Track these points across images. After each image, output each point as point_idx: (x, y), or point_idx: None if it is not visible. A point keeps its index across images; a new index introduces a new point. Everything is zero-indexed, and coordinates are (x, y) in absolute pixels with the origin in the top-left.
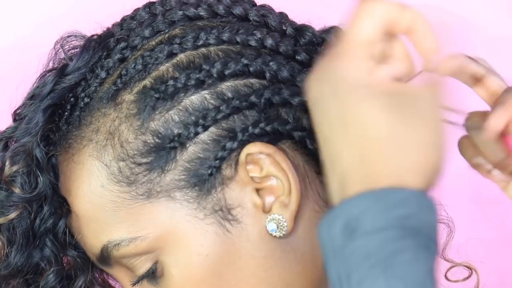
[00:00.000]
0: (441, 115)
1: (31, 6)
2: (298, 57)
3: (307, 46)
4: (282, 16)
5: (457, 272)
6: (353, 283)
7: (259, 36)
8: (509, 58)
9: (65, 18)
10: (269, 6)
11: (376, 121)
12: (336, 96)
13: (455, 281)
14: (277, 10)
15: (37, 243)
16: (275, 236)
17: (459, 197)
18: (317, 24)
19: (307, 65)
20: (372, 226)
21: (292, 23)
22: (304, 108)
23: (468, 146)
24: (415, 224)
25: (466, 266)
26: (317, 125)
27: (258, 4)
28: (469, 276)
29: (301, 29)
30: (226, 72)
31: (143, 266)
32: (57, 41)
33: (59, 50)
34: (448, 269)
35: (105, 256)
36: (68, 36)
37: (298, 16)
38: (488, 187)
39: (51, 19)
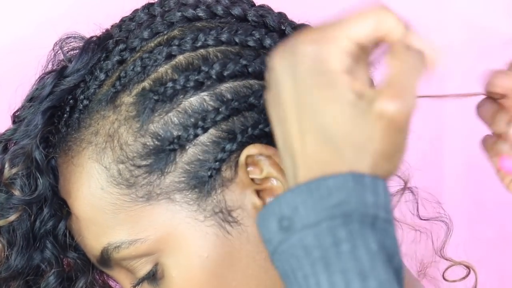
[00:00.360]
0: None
1: (30, 7)
2: None
3: None
4: (281, 16)
5: (455, 272)
6: (300, 279)
7: (258, 36)
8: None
9: (64, 19)
10: (268, 6)
11: (336, 117)
12: (304, 78)
13: (453, 281)
14: (276, 10)
15: (37, 245)
16: None
17: (457, 196)
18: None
19: None
20: (305, 221)
21: (291, 23)
22: None
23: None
24: (347, 209)
25: (464, 265)
26: (273, 104)
27: (257, 4)
28: (467, 275)
29: (299, 29)
30: (225, 73)
31: (143, 268)
32: (56, 42)
33: (58, 52)
34: (447, 268)
35: (105, 258)
36: (67, 38)
37: (297, 16)
38: (487, 186)
39: (49, 20)
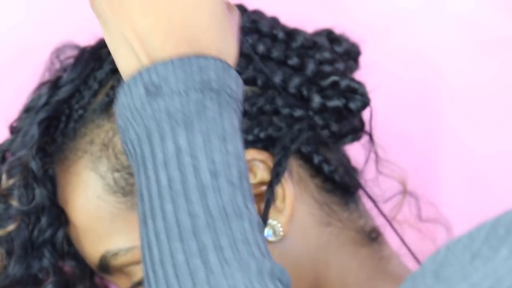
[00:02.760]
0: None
1: (29, 15)
2: (289, 62)
3: (299, 50)
4: (274, 21)
5: None
6: (155, 141)
7: (250, 42)
8: (509, 59)
9: (62, 28)
10: (260, 11)
11: None
12: None
13: None
14: (270, 13)
15: (35, 254)
16: (271, 240)
17: (458, 197)
18: (311, 27)
19: (298, 69)
20: (173, 88)
21: (283, 27)
22: (295, 116)
23: None
24: (216, 86)
25: None
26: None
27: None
28: None
29: (292, 33)
30: None
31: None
32: (52, 52)
33: (54, 61)
34: None
35: (104, 265)
36: (63, 47)
37: (291, 19)
38: (487, 187)
39: (47, 29)
